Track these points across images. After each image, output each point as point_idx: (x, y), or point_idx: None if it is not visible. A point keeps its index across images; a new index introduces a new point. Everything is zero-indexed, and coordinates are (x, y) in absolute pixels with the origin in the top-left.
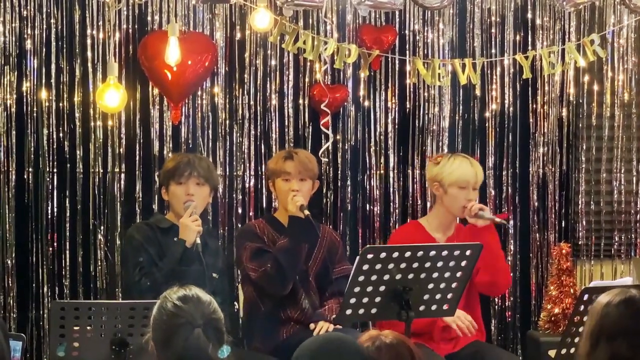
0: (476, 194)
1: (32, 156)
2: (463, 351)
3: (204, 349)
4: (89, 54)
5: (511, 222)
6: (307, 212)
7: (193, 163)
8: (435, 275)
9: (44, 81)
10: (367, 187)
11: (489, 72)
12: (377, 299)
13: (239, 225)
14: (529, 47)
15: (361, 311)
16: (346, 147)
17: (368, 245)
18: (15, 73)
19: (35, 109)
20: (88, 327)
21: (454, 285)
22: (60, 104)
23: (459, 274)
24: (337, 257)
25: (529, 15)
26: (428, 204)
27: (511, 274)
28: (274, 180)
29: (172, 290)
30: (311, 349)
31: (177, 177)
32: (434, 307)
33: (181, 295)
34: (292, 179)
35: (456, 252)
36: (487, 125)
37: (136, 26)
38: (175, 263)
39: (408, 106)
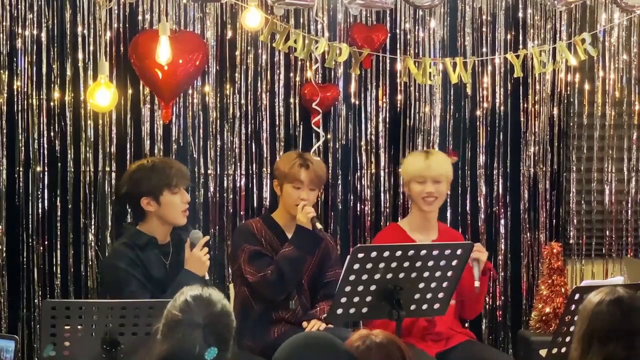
0: (441, 186)
1: (23, 155)
2: (455, 349)
3: (199, 351)
4: (80, 53)
5: (502, 221)
6: (320, 225)
7: (181, 169)
8: (426, 274)
9: (34, 80)
10: (358, 186)
11: (480, 71)
12: (368, 298)
13: (230, 225)
14: (520, 46)
15: (352, 310)
16: (337, 146)
17: (359, 245)
18: (6, 72)
19: (26, 108)
20: (79, 327)
21: (445, 284)
22: (51, 103)
23: (449, 274)
24: (331, 261)
25: (520, 14)
26: None
27: (500, 273)
28: (282, 183)
29: (191, 287)
30: (290, 345)
31: (173, 187)
32: (424, 307)
33: (196, 293)
34: (304, 188)
35: (447, 252)
36: (478, 124)
37: (127, 25)
38: None
39: (399, 105)
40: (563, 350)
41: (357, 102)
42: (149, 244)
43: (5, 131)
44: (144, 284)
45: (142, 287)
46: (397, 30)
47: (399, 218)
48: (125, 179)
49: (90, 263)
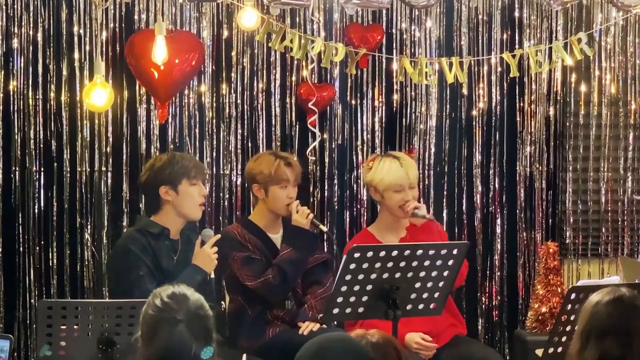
0: (415, 191)
1: (19, 155)
2: (445, 348)
3: (187, 344)
4: (76, 52)
5: (498, 220)
6: (324, 227)
7: (199, 163)
8: (422, 274)
9: (30, 80)
10: (354, 185)
11: (476, 70)
12: (364, 298)
13: (226, 224)
14: (516, 46)
15: (348, 310)
16: (333, 146)
17: (355, 244)
18: (2, 72)
19: (22, 108)
20: (75, 327)
21: (440, 284)
22: (47, 103)
23: (445, 273)
24: None
25: (516, 14)
26: None
27: (496, 273)
28: (267, 186)
29: (162, 288)
30: (314, 349)
31: (192, 178)
32: (421, 306)
33: (169, 292)
34: (290, 186)
35: (443, 251)
36: (474, 123)
37: (123, 25)
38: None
39: (395, 105)
40: (559, 349)
41: (353, 102)
42: (161, 234)
43: (1, 131)
44: (152, 272)
45: (150, 274)
46: (394, 30)
47: None
48: (145, 168)
49: (86, 263)
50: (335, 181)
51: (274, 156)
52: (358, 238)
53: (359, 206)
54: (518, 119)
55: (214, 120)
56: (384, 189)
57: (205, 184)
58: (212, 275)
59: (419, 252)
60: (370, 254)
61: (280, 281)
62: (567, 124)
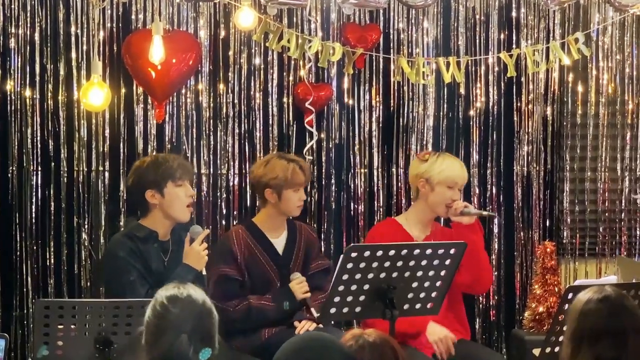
0: (460, 194)
1: (16, 155)
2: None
3: (189, 353)
4: (73, 52)
5: (495, 220)
6: (314, 312)
7: (184, 163)
8: (419, 273)
9: (28, 80)
10: (352, 185)
11: (473, 70)
12: (361, 298)
13: (223, 224)
14: (514, 46)
15: (345, 310)
16: (330, 146)
17: (352, 244)
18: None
19: (19, 108)
20: (72, 326)
21: (438, 284)
22: (45, 103)
23: (443, 273)
24: (314, 252)
25: (514, 14)
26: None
27: (494, 273)
28: (280, 190)
29: (165, 288)
30: (292, 348)
31: (177, 179)
32: (418, 306)
33: (171, 295)
34: (302, 188)
35: (440, 251)
36: (471, 123)
37: (120, 25)
38: None
39: (392, 104)
40: (556, 349)
41: (350, 102)
42: (149, 237)
43: None
44: (143, 275)
45: (142, 278)
46: (391, 30)
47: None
48: (130, 172)
49: (83, 262)
50: (333, 181)
51: (285, 160)
52: (383, 225)
53: (356, 206)
54: (515, 118)
55: (211, 120)
56: (437, 182)
57: (192, 183)
58: (204, 272)
59: (416, 251)
60: (367, 253)
61: (242, 319)
62: (565, 123)
